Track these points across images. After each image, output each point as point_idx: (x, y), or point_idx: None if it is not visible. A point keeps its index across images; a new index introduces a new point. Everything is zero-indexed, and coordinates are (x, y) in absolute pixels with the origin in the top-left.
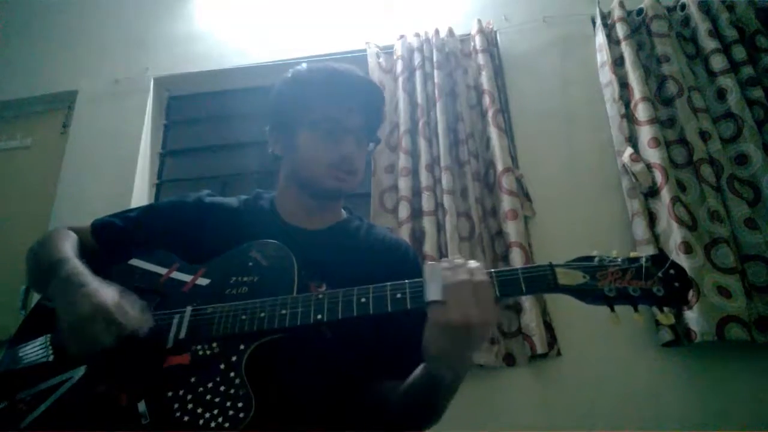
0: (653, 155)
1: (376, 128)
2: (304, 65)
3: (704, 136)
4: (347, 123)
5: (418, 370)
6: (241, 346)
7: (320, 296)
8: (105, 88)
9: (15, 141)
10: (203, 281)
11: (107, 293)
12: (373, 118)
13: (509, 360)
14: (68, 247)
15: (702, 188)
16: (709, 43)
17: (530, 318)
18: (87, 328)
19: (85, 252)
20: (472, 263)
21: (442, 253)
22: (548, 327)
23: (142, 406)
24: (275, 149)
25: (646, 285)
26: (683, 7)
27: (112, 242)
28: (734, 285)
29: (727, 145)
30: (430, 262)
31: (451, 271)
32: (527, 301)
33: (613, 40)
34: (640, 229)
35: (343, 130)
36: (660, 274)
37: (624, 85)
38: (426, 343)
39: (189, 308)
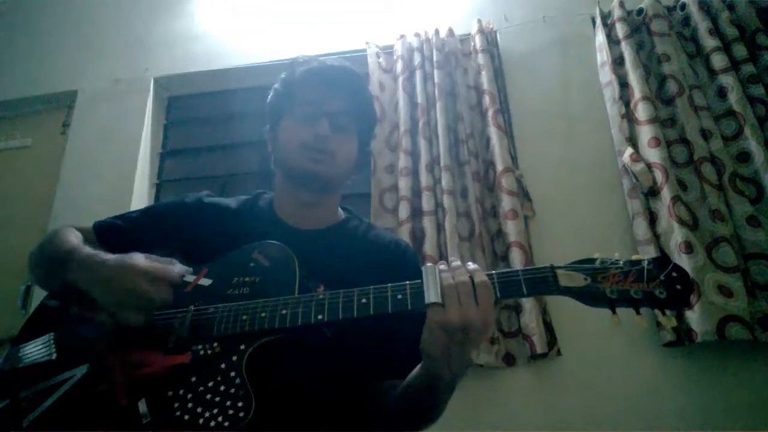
0: (653, 155)
1: (365, 118)
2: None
3: (705, 134)
4: (324, 106)
5: (416, 370)
6: (242, 346)
7: (321, 297)
8: (105, 88)
9: (15, 141)
10: (205, 281)
11: (134, 259)
12: (356, 105)
13: (509, 360)
14: (74, 238)
15: (703, 187)
16: (709, 42)
17: (530, 318)
18: (136, 291)
19: None
20: (471, 265)
21: (442, 253)
22: (548, 327)
23: (142, 406)
24: (269, 147)
25: (648, 287)
26: (683, 6)
27: (114, 243)
28: (735, 284)
29: (728, 143)
30: (428, 264)
31: (450, 273)
32: (527, 302)
33: (613, 40)
34: (641, 229)
35: (320, 113)
36: (662, 277)
37: (624, 84)
38: (424, 343)
39: (191, 308)
